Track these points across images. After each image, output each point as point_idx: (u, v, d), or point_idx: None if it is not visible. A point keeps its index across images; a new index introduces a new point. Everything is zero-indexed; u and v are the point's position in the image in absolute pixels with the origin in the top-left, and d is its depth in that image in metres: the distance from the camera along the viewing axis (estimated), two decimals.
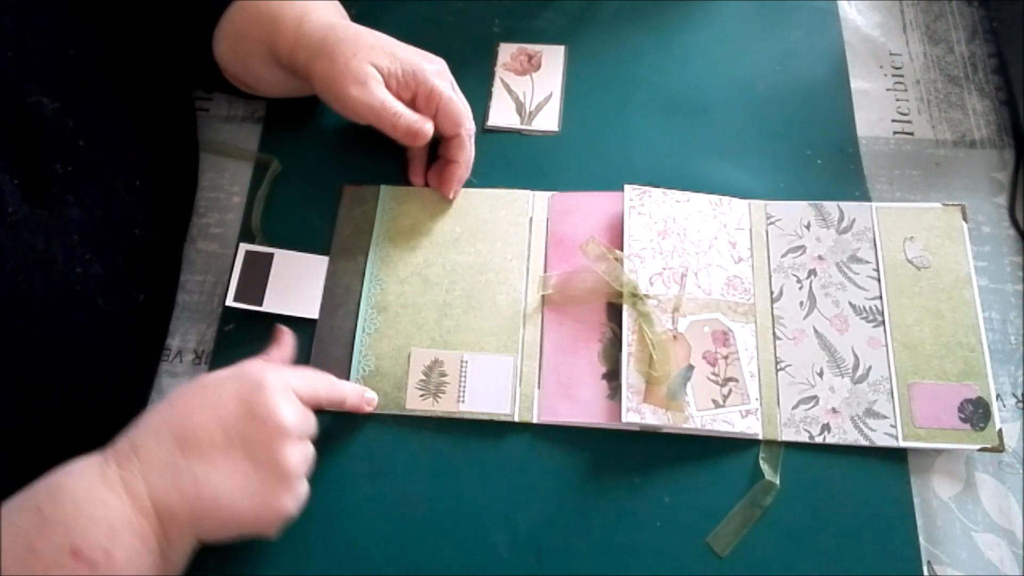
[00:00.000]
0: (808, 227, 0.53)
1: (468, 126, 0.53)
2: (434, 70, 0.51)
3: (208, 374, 0.42)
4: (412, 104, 0.51)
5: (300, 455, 0.41)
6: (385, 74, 0.49)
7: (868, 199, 0.55)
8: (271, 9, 0.50)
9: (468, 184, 0.56)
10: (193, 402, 0.40)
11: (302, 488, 0.42)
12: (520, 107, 0.59)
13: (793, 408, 0.48)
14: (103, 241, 0.45)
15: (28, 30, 0.44)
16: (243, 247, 0.53)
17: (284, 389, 0.41)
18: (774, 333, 0.50)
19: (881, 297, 0.50)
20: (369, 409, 0.48)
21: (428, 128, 0.50)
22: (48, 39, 0.46)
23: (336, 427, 0.48)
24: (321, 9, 0.51)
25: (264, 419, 0.39)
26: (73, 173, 0.45)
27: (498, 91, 0.60)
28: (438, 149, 0.55)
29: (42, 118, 0.43)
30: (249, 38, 0.50)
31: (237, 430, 0.39)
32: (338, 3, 0.54)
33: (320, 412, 0.47)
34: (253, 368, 0.42)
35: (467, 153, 0.53)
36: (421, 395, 0.49)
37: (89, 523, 0.36)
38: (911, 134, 0.58)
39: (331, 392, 0.45)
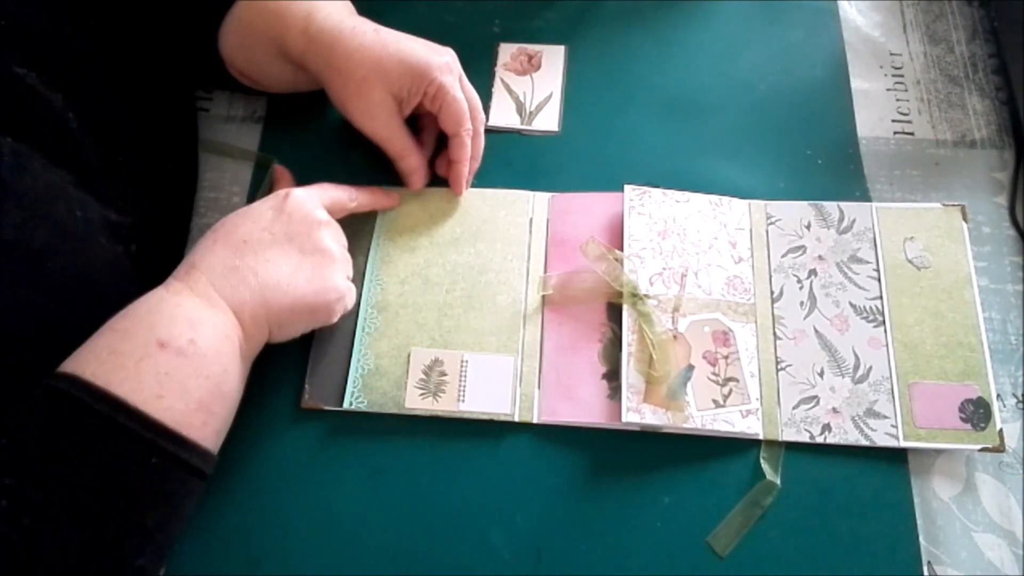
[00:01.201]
0: (808, 227, 0.53)
1: (468, 126, 0.52)
2: (441, 64, 0.51)
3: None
4: (420, 105, 0.52)
5: (338, 242, 0.47)
6: (395, 99, 0.50)
7: (868, 199, 0.55)
8: (277, 7, 0.49)
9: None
10: (235, 221, 0.44)
11: (348, 269, 0.47)
12: (520, 107, 0.59)
13: (794, 408, 0.48)
14: (95, 194, 0.46)
15: (27, 6, 0.45)
16: None
17: (308, 194, 0.47)
18: (774, 333, 0.50)
19: (881, 297, 0.50)
20: (394, 205, 0.54)
21: (422, 180, 0.54)
22: (47, 17, 0.46)
23: (336, 427, 0.48)
24: (328, 7, 0.50)
25: (299, 216, 0.45)
26: (60, 144, 0.45)
27: (498, 91, 0.60)
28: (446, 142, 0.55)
29: (25, 89, 0.43)
30: (257, 34, 0.50)
31: (279, 228, 0.44)
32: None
33: (319, 416, 0.47)
34: (280, 188, 0.48)
35: (466, 151, 0.53)
36: (421, 395, 0.49)
37: (169, 320, 0.39)
38: (911, 134, 0.58)
39: (356, 198, 0.51)
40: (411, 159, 0.53)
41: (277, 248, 0.44)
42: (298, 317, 0.44)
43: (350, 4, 0.53)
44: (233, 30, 0.50)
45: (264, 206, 0.45)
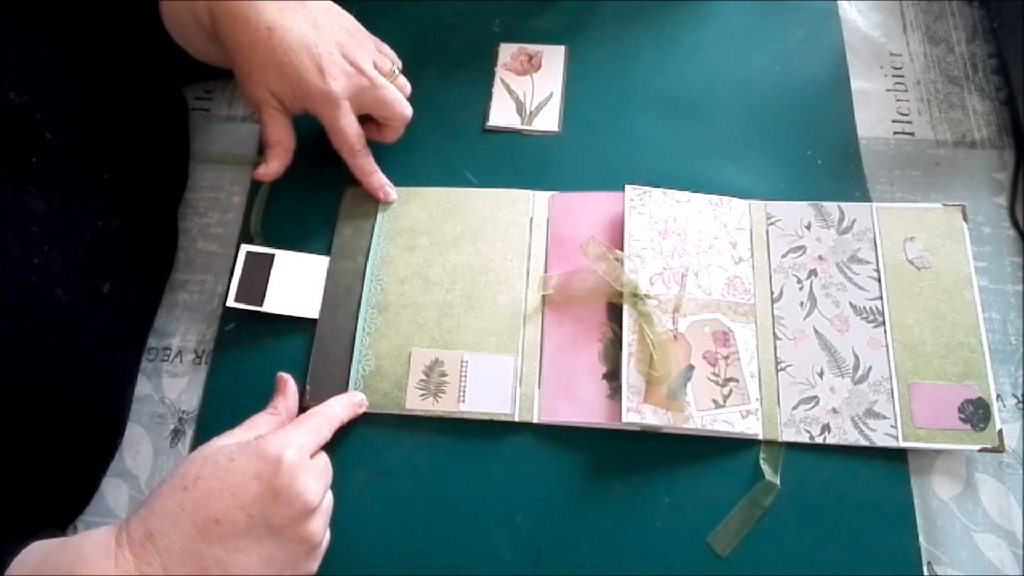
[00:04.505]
0: (808, 227, 0.53)
1: (355, 149, 0.52)
2: (321, 93, 0.49)
3: (219, 446, 0.40)
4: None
5: (324, 520, 0.41)
6: (277, 99, 0.50)
7: (868, 199, 0.55)
8: None
9: (468, 184, 0.56)
10: (210, 486, 0.38)
11: (326, 518, 0.42)
12: (520, 107, 0.59)
13: (793, 408, 0.48)
14: (64, 232, 0.45)
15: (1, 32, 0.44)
16: (244, 248, 0.53)
17: (303, 462, 0.40)
18: (774, 333, 0.50)
19: (881, 297, 0.50)
20: (362, 410, 0.49)
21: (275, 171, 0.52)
22: (18, 36, 0.45)
23: (337, 428, 0.48)
24: None
25: (288, 500, 0.38)
26: (37, 165, 0.44)
27: (498, 91, 0.60)
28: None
29: (8, 113, 0.43)
30: (183, 7, 0.50)
31: (259, 511, 0.38)
32: None
33: None
34: (269, 443, 0.40)
35: (360, 171, 0.53)
36: (421, 395, 0.49)
37: None
38: (911, 134, 0.58)
39: (332, 425, 0.45)
40: (281, 154, 0.51)
41: (252, 536, 0.37)
42: None
43: None
44: (166, 12, 0.50)
45: (249, 471, 0.38)
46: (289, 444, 0.40)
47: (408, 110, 0.53)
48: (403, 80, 0.54)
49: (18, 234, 0.42)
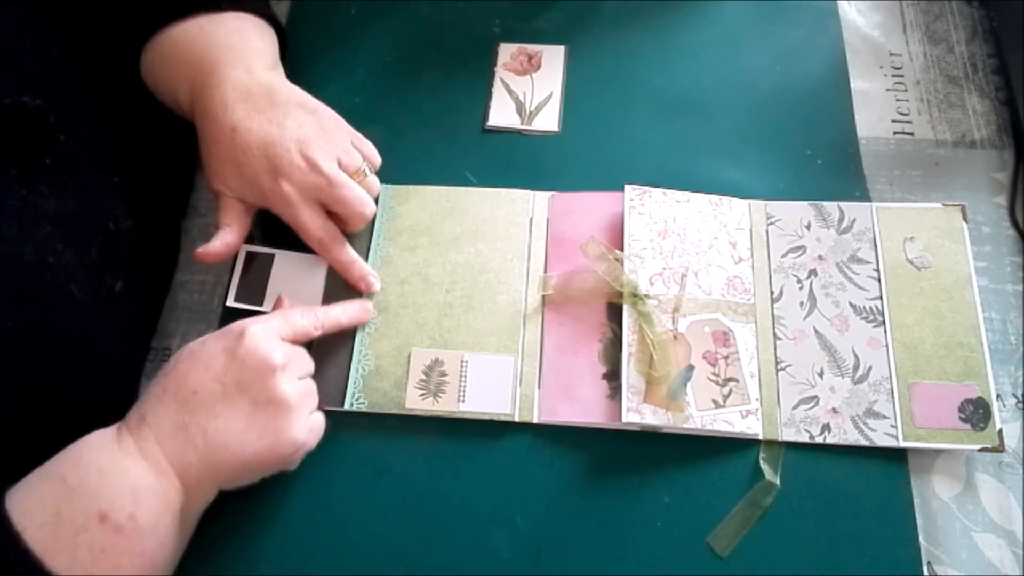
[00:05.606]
0: (808, 227, 0.53)
1: (319, 241, 0.51)
2: (275, 193, 0.49)
3: (195, 340, 0.44)
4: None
5: (297, 388, 0.43)
6: (237, 194, 0.50)
7: (868, 199, 0.55)
8: (187, 56, 0.50)
9: (468, 184, 0.56)
10: (186, 365, 0.42)
11: (314, 419, 0.44)
12: (520, 107, 0.59)
13: (793, 408, 0.48)
14: (76, 232, 0.46)
15: (9, 33, 0.44)
16: (244, 248, 0.53)
17: (265, 332, 0.43)
18: (774, 333, 0.50)
19: (881, 297, 0.50)
20: (369, 317, 0.51)
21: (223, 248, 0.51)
22: (32, 40, 0.46)
23: (336, 427, 0.48)
24: (220, 80, 0.49)
25: (253, 362, 0.42)
26: (51, 166, 0.45)
27: (498, 91, 0.60)
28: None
29: (23, 116, 0.44)
30: (166, 73, 0.51)
31: (230, 378, 0.41)
32: (265, 61, 0.52)
33: (325, 414, 0.47)
34: (235, 323, 0.44)
35: (333, 260, 0.52)
36: (421, 395, 0.49)
37: (113, 489, 0.38)
38: (911, 134, 0.58)
39: (322, 322, 0.48)
40: (229, 235, 0.50)
41: (228, 402, 0.41)
42: (249, 474, 0.42)
43: (256, 73, 0.50)
44: (151, 61, 0.51)
45: (217, 347, 0.42)
46: (255, 322, 0.44)
47: (369, 210, 0.51)
48: (372, 179, 0.53)
49: (32, 233, 0.43)
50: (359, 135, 0.53)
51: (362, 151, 0.52)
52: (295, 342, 0.46)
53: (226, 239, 0.50)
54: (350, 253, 0.52)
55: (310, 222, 0.50)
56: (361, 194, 0.51)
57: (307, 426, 0.43)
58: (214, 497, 0.42)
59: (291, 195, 0.49)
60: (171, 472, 0.40)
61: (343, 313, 0.49)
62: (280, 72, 0.53)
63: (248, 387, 0.41)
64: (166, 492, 0.39)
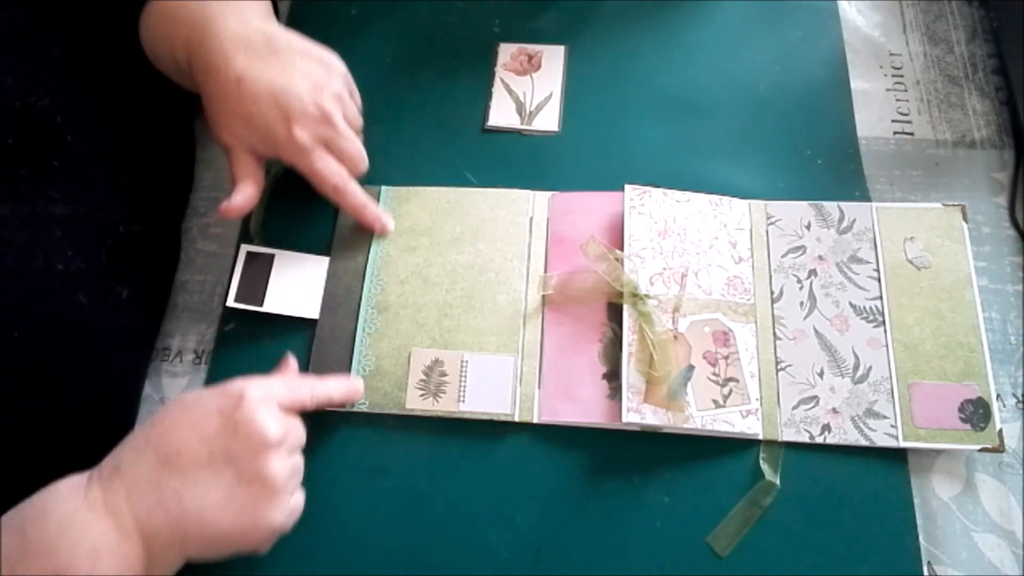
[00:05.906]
0: (808, 227, 0.53)
1: (335, 185, 0.50)
2: (288, 143, 0.48)
3: (190, 392, 0.41)
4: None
5: (287, 467, 0.40)
6: (247, 146, 0.49)
7: (868, 199, 0.55)
8: (180, 12, 0.48)
9: (468, 184, 0.56)
10: (174, 420, 0.40)
11: (294, 501, 0.41)
12: (520, 107, 0.59)
13: (793, 408, 0.48)
14: (85, 236, 0.45)
15: (14, 35, 0.44)
16: (244, 248, 0.53)
17: (266, 401, 0.40)
18: (774, 333, 0.50)
19: (881, 297, 0.50)
20: (359, 397, 0.48)
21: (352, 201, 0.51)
22: (36, 41, 0.46)
23: (337, 427, 0.48)
24: (219, 27, 0.48)
25: (247, 433, 0.39)
26: (59, 168, 0.45)
27: (498, 91, 0.60)
28: None
29: (32, 117, 0.43)
30: (163, 35, 0.49)
31: (220, 445, 0.38)
32: (256, 5, 0.51)
33: (320, 413, 0.47)
34: (235, 383, 0.41)
35: (345, 204, 0.52)
36: (421, 395, 0.49)
37: (72, 548, 0.36)
38: (911, 134, 0.58)
39: (316, 395, 0.44)
40: (248, 188, 0.49)
41: (211, 469, 0.38)
42: (216, 551, 0.39)
43: (251, 23, 0.49)
44: (146, 26, 0.50)
45: (212, 405, 0.40)
46: (255, 385, 0.41)
47: (364, 166, 0.51)
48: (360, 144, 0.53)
49: (43, 240, 0.43)
50: (354, 86, 0.53)
51: (355, 100, 0.53)
52: (291, 410, 0.43)
53: (246, 192, 0.49)
54: (363, 196, 0.52)
55: (325, 168, 0.49)
56: (361, 148, 0.51)
57: (288, 509, 0.40)
58: (180, 567, 0.39)
59: (306, 142, 0.48)
60: (135, 535, 0.37)
61: (335, 389, 0.46)
62: (275, 21, 0.52)
63: (236, 459, 0.38)
64: (126, 555, 0.37)
